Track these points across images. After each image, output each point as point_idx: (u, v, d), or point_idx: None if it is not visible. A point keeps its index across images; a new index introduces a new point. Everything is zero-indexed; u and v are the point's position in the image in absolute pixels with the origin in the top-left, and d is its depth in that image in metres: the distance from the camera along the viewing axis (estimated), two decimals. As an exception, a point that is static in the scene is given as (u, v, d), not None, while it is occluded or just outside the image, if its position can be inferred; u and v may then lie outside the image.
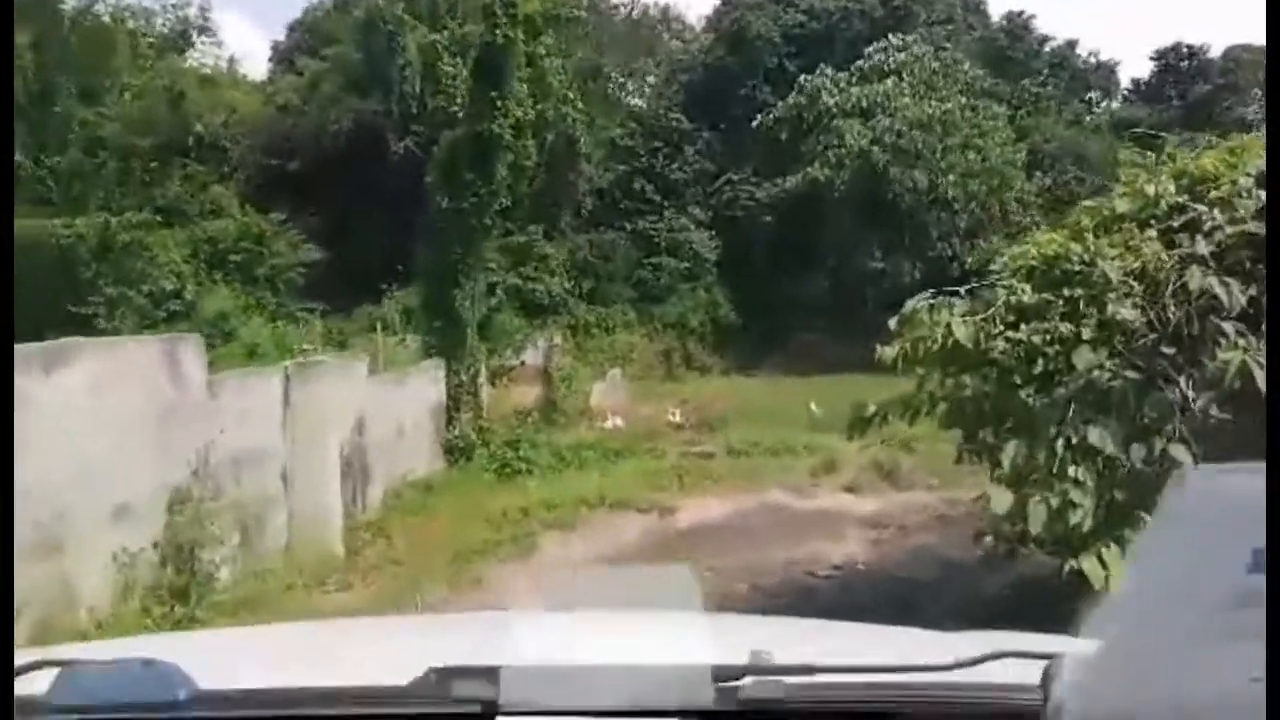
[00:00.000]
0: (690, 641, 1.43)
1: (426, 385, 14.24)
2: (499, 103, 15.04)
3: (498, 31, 15.18)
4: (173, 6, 30.39)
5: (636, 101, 32.25)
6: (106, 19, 26.79)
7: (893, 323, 4.64)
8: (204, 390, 8.47)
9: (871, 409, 4.72)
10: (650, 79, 32.70)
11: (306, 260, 23.97)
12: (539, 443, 14.63)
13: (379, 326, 16.81)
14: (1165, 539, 0.92)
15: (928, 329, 4.37)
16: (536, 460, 13.94)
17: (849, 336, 28.78)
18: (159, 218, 22.46)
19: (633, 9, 37.48)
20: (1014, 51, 35.56)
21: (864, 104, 26.90)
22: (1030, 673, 1.09)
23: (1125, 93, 37.53)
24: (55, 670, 1.17)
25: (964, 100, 27.14)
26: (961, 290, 4.80)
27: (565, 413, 18.34)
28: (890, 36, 28.61)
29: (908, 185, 26.22)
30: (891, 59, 27.67)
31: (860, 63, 28.06)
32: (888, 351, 4.49)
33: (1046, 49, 37.49)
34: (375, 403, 11.64)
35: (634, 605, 1.77)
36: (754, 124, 29.86)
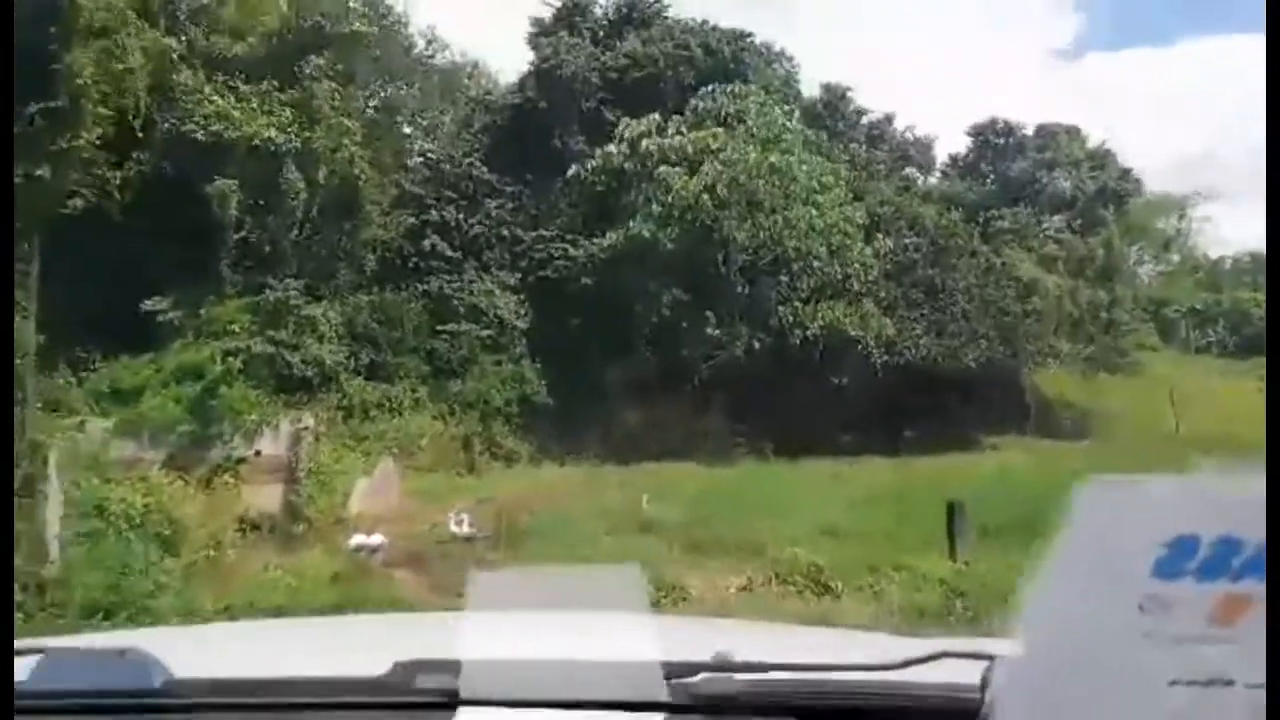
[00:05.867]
0: (647, 641, 1.37)
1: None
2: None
3: None
4: None
5: (429, 146, 27.70)
6: None
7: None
8: None
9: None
10: (448, 120, 28.29)
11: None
12: (173, 602, 7.52)
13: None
14: (1078, 546, 0.92)
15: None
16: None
17: (679, 418, 25.34)
18: None
19: (437, 55, 32.90)
20: (832, 122, 34.33)
21: (692, 151, 23.69)
22: (972, 673, 1.12)
23: (943, 168, 37.08)
24: (35, 657, 1.22)
25: (805, 154, 24.54)
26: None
27: (311, 522, 13.12)
28: (726, 84, 25.83)
29: (743, 242, 23.05)
30: (728, 105, 24.79)
31: (694, 103, 25.02)
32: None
33: (864, 121, 36.91)
34: None
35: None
36: (567, 175, 26.11)
